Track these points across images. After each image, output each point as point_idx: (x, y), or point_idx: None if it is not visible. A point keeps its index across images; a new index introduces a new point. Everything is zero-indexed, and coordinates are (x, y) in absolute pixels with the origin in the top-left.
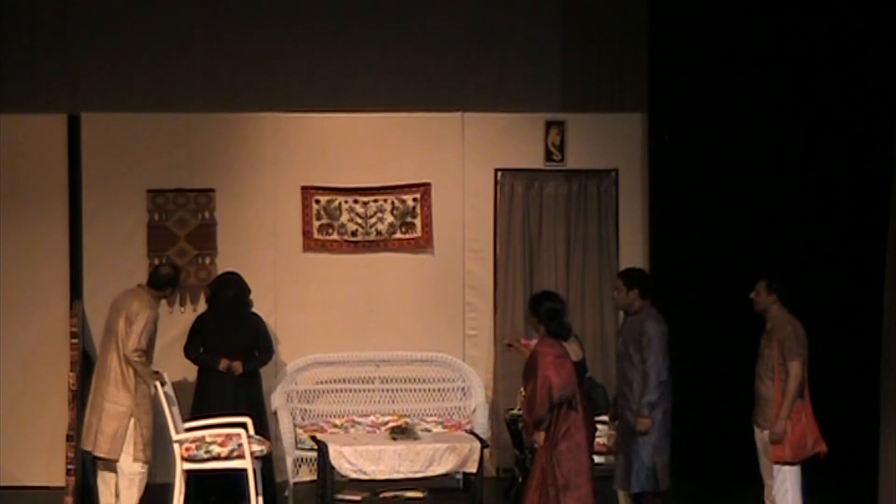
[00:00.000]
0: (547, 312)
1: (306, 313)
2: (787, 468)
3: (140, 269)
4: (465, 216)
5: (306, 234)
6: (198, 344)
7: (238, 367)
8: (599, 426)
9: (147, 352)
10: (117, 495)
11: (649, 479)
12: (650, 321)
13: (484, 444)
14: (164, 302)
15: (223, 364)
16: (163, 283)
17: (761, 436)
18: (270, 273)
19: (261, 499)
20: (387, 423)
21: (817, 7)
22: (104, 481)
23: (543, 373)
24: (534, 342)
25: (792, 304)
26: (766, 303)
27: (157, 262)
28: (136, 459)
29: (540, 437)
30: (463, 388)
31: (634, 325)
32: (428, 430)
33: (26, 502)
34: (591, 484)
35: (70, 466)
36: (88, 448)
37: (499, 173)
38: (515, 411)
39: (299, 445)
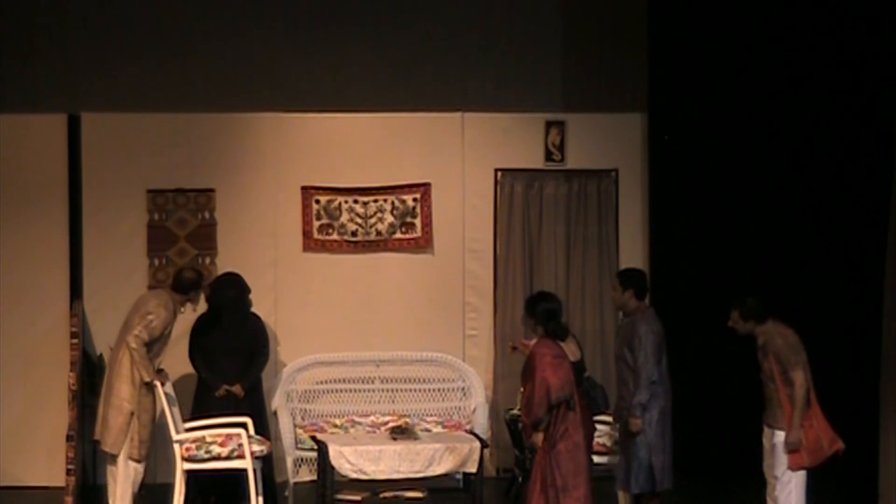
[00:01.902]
0: (544, 313)
1: (306, 313)
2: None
3: (140, 269)
4: (465, 216)
5: (306, 234)
6: (199, 345)
7: (238, 390)
8: (599, 426)
9: (149, 345)
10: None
11: (647, 480)
12: (643, 322)
13: (484, 444)
14: None
15: (221, 391)
16: (186, 287)
17: (770, 434)
18: (270, 273)
19: (261, 499)
20: (387, 423)
21: (817, 7)
22: (112, 476)
23: (541, 374)
24: (533, 342)
25: (773, 314)
26: (746, 328)
27: (157, 262)
28: (130, 457)
29: (538, 437)
30: (463, 388)
31: (629, 326)
32: (428, 430)
33: (26, 502)
34: (589, 484)
35: (70, 466)
36: (97, 438)
37: (499, 173)
38: (515, 411)
39: (299, 445)
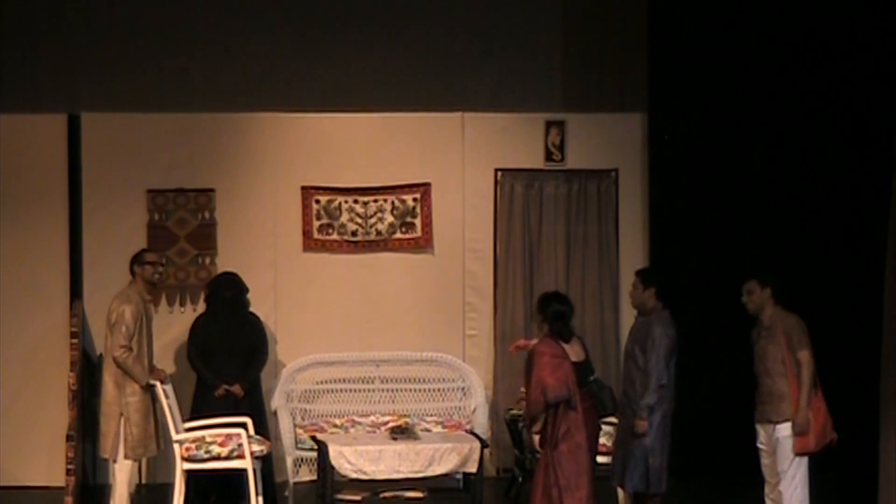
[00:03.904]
0: (554, 313)
1: (306, 313)
2: (797, 461)
3: None
4: (465, 216)
5: (306, 234)
6: (198, 345)
7: (238, 390)
8: (604, 426)
9: (131, 347)
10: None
11: (642, 480)
12: (658, 324)
13: (484, 444)
14: (163, 301)
15: (220, 391)
16: (132, 265)
17: (773, 432)
18: (270, 273)
19: (261, 499)
20: (387, 423)
21: (817, 7)
22: (114, 477)
23: (538, 373)
24: (533, 342)
25: (786, 301)
26: (760, 300)
27: None
28: (125, 456)
29: (534, 439)
30: (463, 388)
31: (644, 326)
32: (428, 430)
33: (26, 502)
34: (591, 484)
35: (70, 466)
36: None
37: (499, 173)
38: (515, 411)
39: (299, 445)
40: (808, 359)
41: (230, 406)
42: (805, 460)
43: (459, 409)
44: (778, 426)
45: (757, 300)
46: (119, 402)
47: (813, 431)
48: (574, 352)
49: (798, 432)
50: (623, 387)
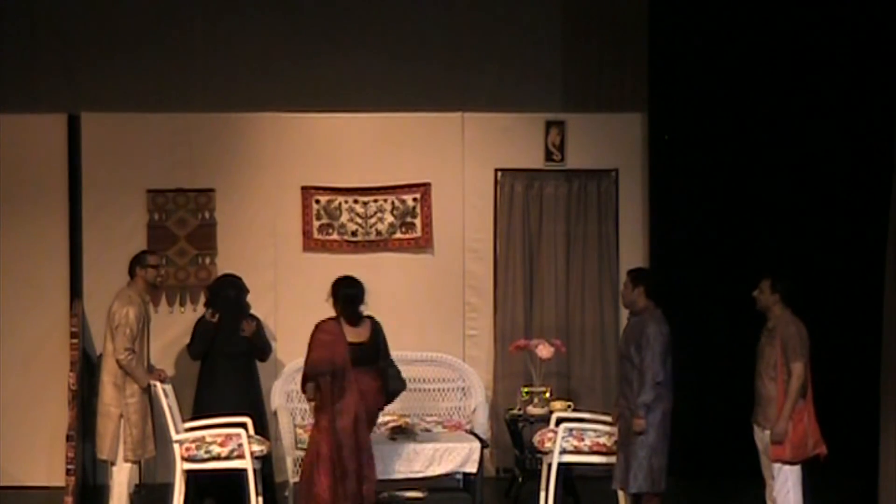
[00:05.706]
0: (345, 297)
1: (306, 313)
2: (788, 468)
3: None
4: (465, 216)
5: (306, 234)
6: (197, 345)
7: (250, 325)
8: (600, 427)
9: (135, 350)
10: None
11: (646, 480)
12: (652, 322)
13: (484, 444)
14: (163, 301)
15: (209, 315)
16: (130, 271)
17: (762, 435)
18: (270, 273)
19: (261, 499)
20: (387, 423)
21: (817, 7)
22: (112, 478)
23: (308, 349)
24: (533, 342)
25: (795, 304)
26: (768, 302)
27: None
28: (125, 459)
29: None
30: (463, 388)
31: (637, 325)
32: (428, 430)
33: (26, 502)
34: (329, 471)
35: (70, 466)
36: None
37: (499, 173)
38: (515, 411)
39: (299, 445)
40: (799, 370)
41: (230, 406)
42: (796, 466)
43: (459, 409)
44: (766, 430)
45: (765, 300)
46: (118, 404)
47: (790, 442)
48: (358, 333)
49: (774, 440)
50: (620, 388)
